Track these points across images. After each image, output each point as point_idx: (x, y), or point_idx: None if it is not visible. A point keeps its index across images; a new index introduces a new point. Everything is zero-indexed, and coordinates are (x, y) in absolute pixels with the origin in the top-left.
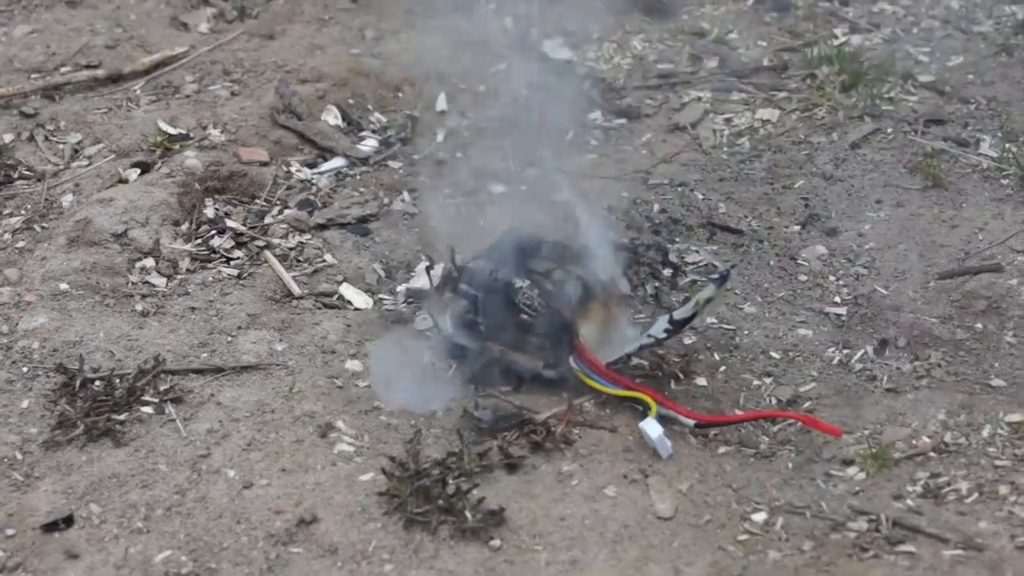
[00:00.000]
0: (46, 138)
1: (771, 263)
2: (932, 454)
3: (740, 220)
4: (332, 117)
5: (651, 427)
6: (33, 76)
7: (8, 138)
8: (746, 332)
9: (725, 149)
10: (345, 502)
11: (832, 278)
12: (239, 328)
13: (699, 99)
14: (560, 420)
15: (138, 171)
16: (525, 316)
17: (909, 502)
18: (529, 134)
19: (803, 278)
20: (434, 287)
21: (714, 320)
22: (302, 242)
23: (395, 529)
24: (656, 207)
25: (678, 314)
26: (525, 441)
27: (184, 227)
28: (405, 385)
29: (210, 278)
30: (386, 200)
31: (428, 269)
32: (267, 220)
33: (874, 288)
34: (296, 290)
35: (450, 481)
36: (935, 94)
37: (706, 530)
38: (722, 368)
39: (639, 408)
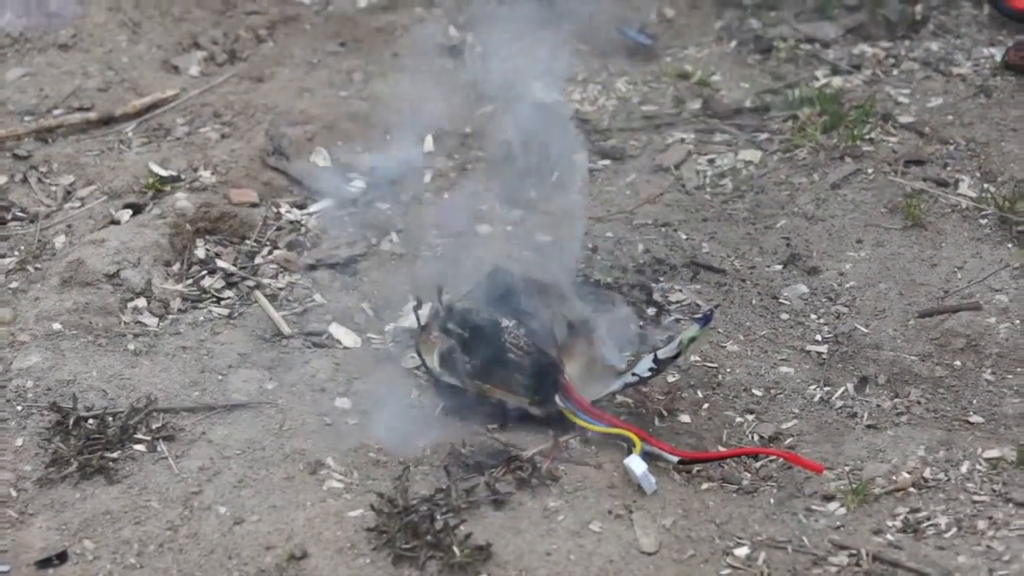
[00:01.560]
0: (39, 180)
1: (753, 302)
2: (912, 489)
3: (723, 260)
4: (321, 159)
5: (635, 464)
6: (26, 119)
7: (1, 180)
8: (729, 370)
9: (708, 190)
10: (335, 538)
11: (813, 316)
12: (230, 367)
13: (682, 140)
14: (546, 457)
15: (130, 212)
16: (511, 355)
17: (889, 537)
18: (515, 175)
19: (785, 317)
20: (422, 326)
21: (697, 358)
22: (292, 282)
23: (384, 564)
24: (640, 247)
25: (662, 353)
26: (512, 477)
27: (175, 267)
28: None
29: (201, 318)
30: (374, 240)
31: (416, 309)
32: (257, 260)
33: (855, 326)
34: (286, 329)
35: (438, 517)
36: (915, 135)
37: (689, 565)
38: (705, 405)
39: (624, 445)
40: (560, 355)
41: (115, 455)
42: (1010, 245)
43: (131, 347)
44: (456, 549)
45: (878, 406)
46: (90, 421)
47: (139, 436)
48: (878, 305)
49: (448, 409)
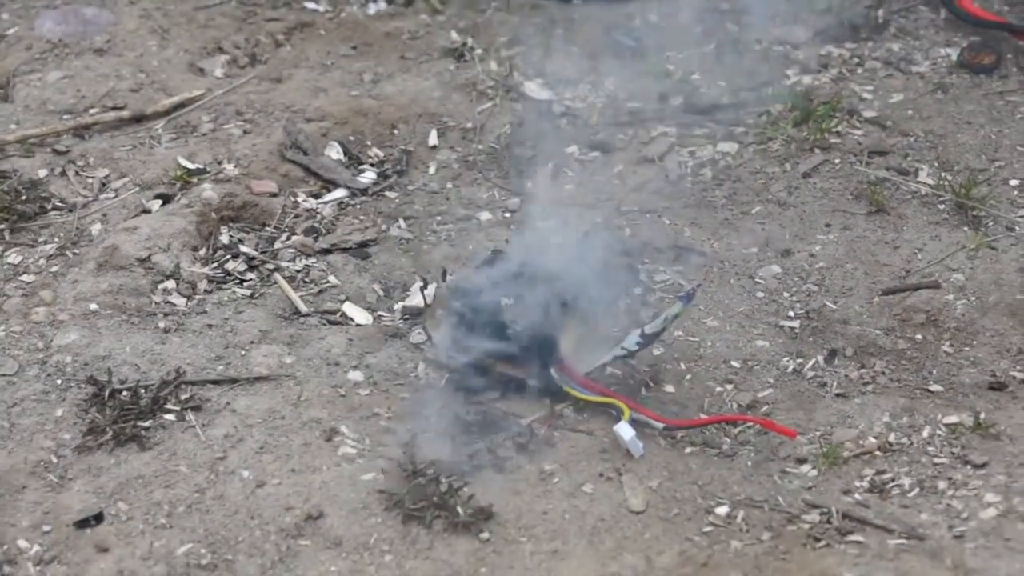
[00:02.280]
0: (76, 173)
1: (731, 281)
2: (878, 453)
3: (703, 243)
4: (335, 152)
5: (624, 430)
6: (65, 117)
7: (43, 173)
8: (709, 344)
9: (689, 179)
10: (348, 499)
11: (786, 294)
12: (252, 343)
13: (665, 134)
14: (542, 424)
15: (160, 202)
16: (510, 330)
17: (857, 496)
18: (512, 166)
19: (760, 295)
20: (428, 305)
21: (680, 333)
22: (308, 265)
23: (394, 523)
24: (627, 231)
25: (649, 328)
26: (511, 443)
27: (202, 252)
28: None
29: (225, 298)
30: (384, 226)
31: (422, 288)
32: (276, 245)
33: (824, 303)
34: (303, 308)
35: (443, 480)
36: (878, 128)
37: (674, 522)
38: (688, 376)
39: (613, 413)
40: (555, 331)
41: (147, 424)
42: (966, 228)
43: (161, 325)
44: (460, 509)
45: (846, 376)
46: (124, 393)
47: (169, 406)
48: (845, 284)
49: (452, 381)
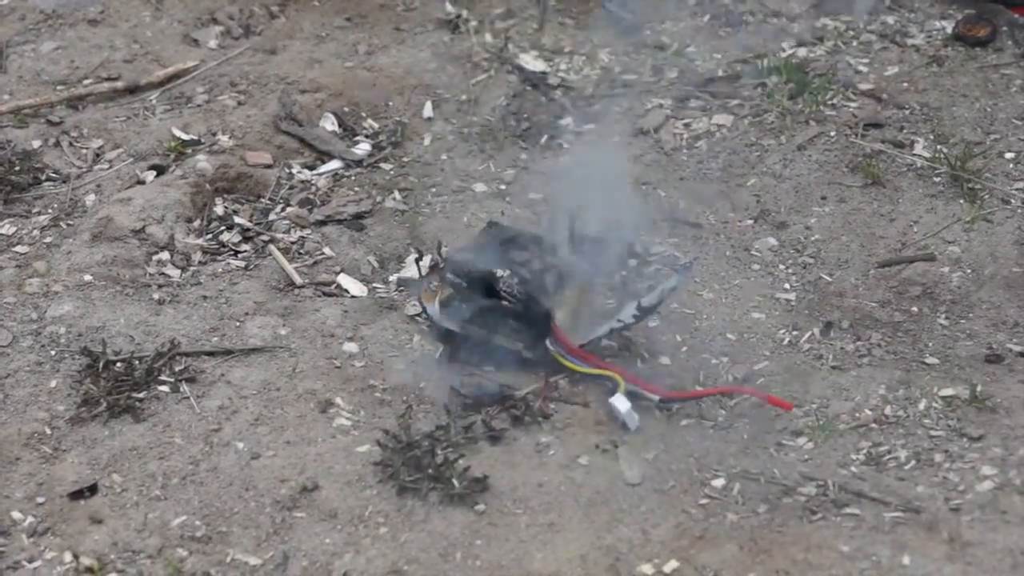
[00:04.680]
0: (70, 144)
1: (727, 254)
2: (874, 425)
3: (699, 215)
4: (329, 124)
5: (620, 402)
6: (58, 88)
7: (36, 144)
8: (705, 316)
9: (684, 151)
10: (344, 471)
11: (782, 267)
12: (246, 314)
13: (661, 106)
14: (538, 396)
15: (154, 173)
16: (506, 302)
17: (853, 469)
18: (507, 138)
19: (756, 267)
20: (423, 276)
21: (676, 305)
22: (303, 236)
23: (389, 495)
24: (623, 204)
25: (645, 301)
26: (506, 415)
27: (196, 223)
28: None
29: (220, 269)
30: (379, 198)
31: (417, 260)
32: (271, 217)
33: (820, 276)
34: (298, 280)
35: (439, 452)
36: (873, 101)
37: (670, 495)
38: (684, 348)
39: (609, 385)
40: (550, 303)
41: (141, 396)
42: (961, 201)
43: (156, 296)
44: (455, 481)
45: (842, 349)
46: (118, 364)
47: (163, 378)
48: (841, 256)
49: (447, 353)
